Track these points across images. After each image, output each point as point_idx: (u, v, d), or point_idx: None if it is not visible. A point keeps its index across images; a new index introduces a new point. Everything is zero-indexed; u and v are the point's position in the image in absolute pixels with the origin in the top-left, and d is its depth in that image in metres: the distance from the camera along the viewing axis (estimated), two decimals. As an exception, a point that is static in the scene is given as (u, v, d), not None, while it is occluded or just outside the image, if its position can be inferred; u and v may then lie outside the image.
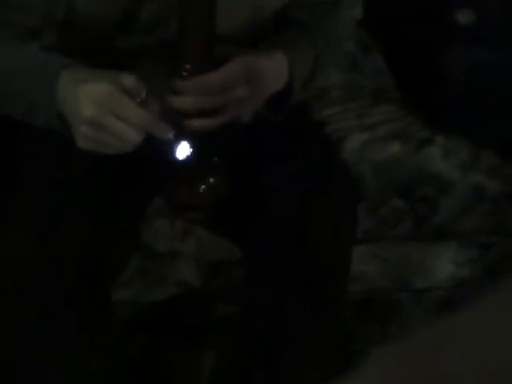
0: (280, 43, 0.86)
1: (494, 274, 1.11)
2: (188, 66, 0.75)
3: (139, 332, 0.97)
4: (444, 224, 1.07)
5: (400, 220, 1.06)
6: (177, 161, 0.78)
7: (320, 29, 0.91)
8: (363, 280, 1.06)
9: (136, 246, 0.92)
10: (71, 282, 0.80)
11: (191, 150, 0.78)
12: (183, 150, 0.78)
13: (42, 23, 0.83)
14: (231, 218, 0.93)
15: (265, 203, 0.88)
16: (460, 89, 1.15)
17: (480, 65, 1.14)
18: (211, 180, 0.81)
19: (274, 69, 0.83)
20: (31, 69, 0.81)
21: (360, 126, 1.10)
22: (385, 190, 1.05)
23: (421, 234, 1.07)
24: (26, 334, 0.80)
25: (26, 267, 0.79)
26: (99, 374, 0.83)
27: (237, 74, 0.77)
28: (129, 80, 0.73)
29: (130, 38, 0.84)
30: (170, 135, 0.75)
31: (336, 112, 1.13)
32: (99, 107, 0.72)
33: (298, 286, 0.87)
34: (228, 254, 0.97)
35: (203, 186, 0.81)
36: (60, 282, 0.80)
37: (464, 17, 1.15)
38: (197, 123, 0.77)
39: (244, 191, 0.89)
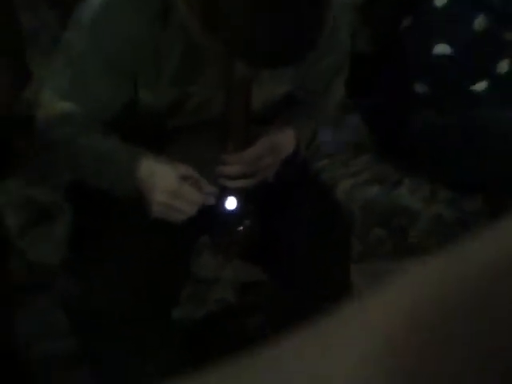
0: (288, 120, 1.16)
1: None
2: (232, 145, 1.05)
3: (190, 340, 1.24)
4: (415, 244, 1.36)
5: (381, 244, 1.36)
6: (222, 209, 1.07)
7: (317, 105, 1.20)
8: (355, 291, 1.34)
9: (188, 275, 1.20)
10: (143, 301, 1.06)
11: (233, 201, 1.06)
12: (227, 203, 1.07)
13: (116, 115, 1.09)
14: (258, 249, 1.22)
15: (282, 237, 1.16)
16: (419, 142, 1.42)
17: (433, 124, 1.42)
18: (247, 222, 1.09)
19: (287, 141, 1.13)
20: (115, 156, 1.06)
21: (347, 174, 1.40)
22: (369, 222, 1.34)
23: (398, 253, 1.36)
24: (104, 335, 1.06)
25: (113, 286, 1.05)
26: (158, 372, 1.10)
27: (265, 149, 1.07)
28: (186, 170, 1.02)
29: (178, 119, 1.11)
30: (214, 202, 1.03)
31: (326, 163, 1.43)
32: (168, 195, 1.00)
33: (309, 299, 1.13)
34: (256, 276, 1.25)
35: (241, 228, 1.09)
36: (135, 301, 1.05)
37: (421, 87, 1.45)
38: (239, 183, 1.06)
39: (266, 228, 1.17)
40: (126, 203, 1.08)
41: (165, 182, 1.01)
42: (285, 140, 1.12)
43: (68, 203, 1.19)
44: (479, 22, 1.39)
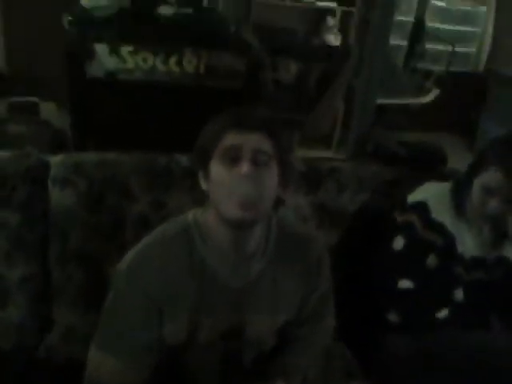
0: (279, 371, 1.30)
1: None
2: None
3: None
4: None
5: None
6: None
7: (309, 342, 1.36)
8: None
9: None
10: None
11: None
12: None
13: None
14: None
15: None
16: (395, 362, 1.55)
17: (404, 347, 1.55)
18: None
19: None
20: None
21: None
22: None
23: None
24: None
25: None
26: None
27: None
28: None
29: (193, 352, 1.24)
30: None
31: None
32: None
33: None
34: None
35: None
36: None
37: (392, 316, 1.62)
38: None
39: None
40: None
41: None
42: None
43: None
44: (430, 261, 1.60)
